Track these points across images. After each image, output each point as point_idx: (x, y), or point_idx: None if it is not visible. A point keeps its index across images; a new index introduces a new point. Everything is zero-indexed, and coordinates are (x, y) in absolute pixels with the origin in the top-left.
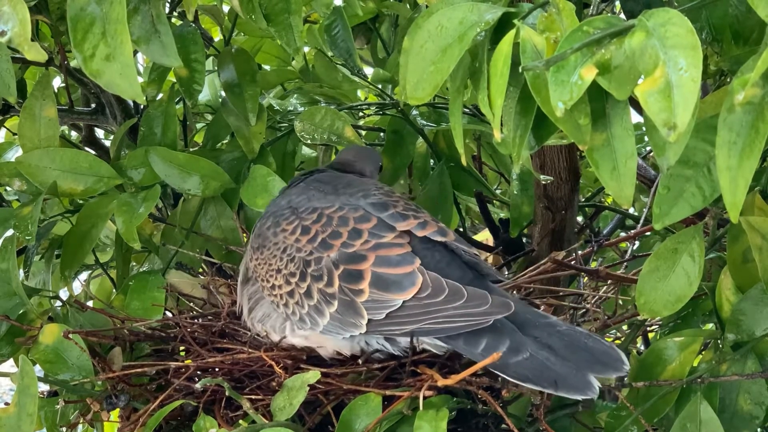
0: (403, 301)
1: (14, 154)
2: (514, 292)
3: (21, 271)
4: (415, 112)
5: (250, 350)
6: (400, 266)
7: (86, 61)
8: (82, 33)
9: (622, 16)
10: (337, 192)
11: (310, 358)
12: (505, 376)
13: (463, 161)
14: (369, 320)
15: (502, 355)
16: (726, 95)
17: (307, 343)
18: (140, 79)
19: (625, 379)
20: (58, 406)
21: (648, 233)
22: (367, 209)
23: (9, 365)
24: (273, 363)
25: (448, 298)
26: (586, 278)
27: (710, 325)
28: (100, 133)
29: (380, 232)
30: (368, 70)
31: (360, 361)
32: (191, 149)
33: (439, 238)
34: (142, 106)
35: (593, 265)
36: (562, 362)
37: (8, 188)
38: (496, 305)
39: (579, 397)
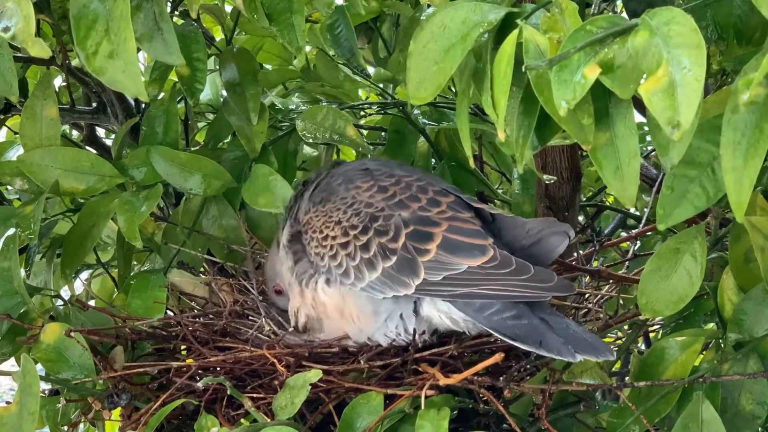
0: (468, 267)
1: (15, 153)
2: None
3: (22, 270)
4: (416, 111)
5: (251, 349)
6: (473, 238)
7: (89, 58)
8: (85, 30)
9: (624, 15)
10: (415, 170)
11: (312, 355)
12: (498, 335)
13: (471, 164)
14: (424, 280)
15: (506, 317)
16: (728, 95)
17: (330, 299)
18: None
19: (627, 378)
20: (60, 405)
21: (649, 233)
22: (447, 187)
23: (10, 364)
24: (275, 361)
25: (515, 271)
26: (588, 278)
27: (712, 325)
28: (101, 132)
29: (458, 207)
30: (369, 70)
31: (362, 360)
32: (193, 148)
33: (507, 215)
34: (143, 106)
35: (594, 264)
36: (554, 335)
37: (9, 187)
38: (561, 284)
39: (557, 357)
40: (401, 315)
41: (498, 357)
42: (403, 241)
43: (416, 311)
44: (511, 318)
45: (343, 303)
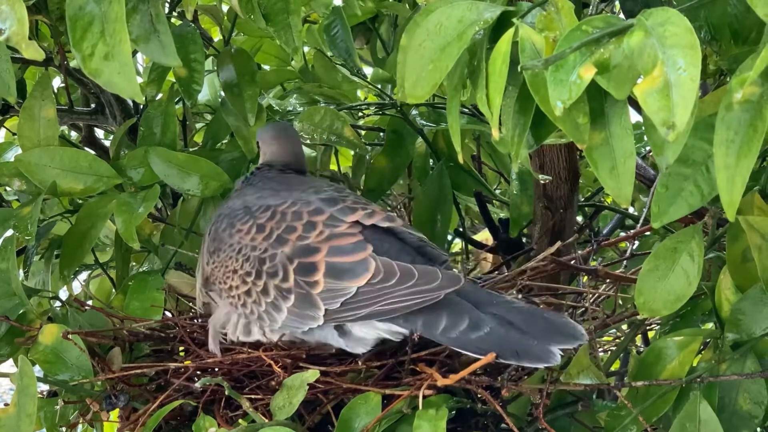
0: (358, 288)
1: (14, 154)
2: (514, 290)
3: (20, 271)
4: (414, 111)
5: (249, 350)
6: (353, 254)
7: (85, 60)
8: (81, 32)
9: (622, 15)
10: (290, 189)
11: (310, 356)
12: (466, 352)
13: (460, 159)
14: (326, 310)
15: (463, 331)
16: (725, 94)
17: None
18: (140, 79)
19: (625, 378)
20: (58, 407)
21: (647, 233)
22: (319, 204)
23: (8, 365)
24: (272, 362)
25: (400, 279)
26: (586, 278)
27: (710, 325)
28: (99, 133)
29: (334, 222)
30: (367, 70)
31: (359, 360)
32: (191, 149)
33: (386, 224)
34: (141, 106)
35: (593, 264)
36: (522, 335)
37: (8, 188)
38: (447, 279)
39: (541, 366)
40: (329, 339)
41: (490, 357)
42: (293, 278)
43: (344, 334)
44: (470, 329)
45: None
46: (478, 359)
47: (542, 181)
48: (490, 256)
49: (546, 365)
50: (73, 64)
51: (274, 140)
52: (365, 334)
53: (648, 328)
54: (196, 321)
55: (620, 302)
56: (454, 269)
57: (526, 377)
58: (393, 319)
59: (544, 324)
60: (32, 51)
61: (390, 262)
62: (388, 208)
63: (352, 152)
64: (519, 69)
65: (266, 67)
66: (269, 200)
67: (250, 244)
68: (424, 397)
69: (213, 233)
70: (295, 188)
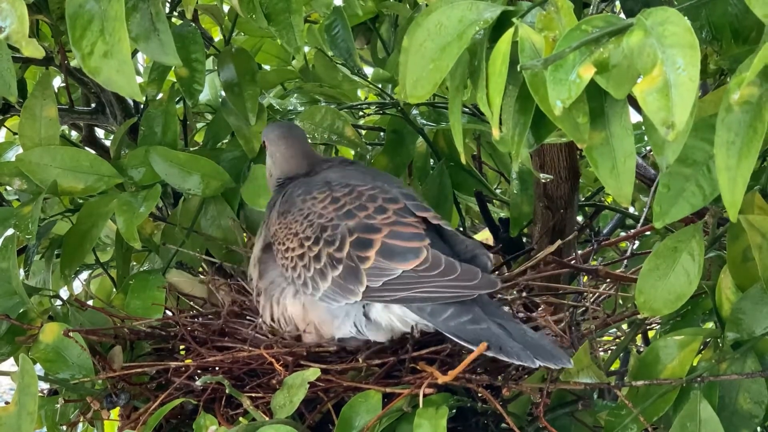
0: (403, 271)
1: (15, 153)
2: (514, 290)
3: (21, 271)
4: (415, 111)
5: (250, 348)
6: (410, 241)
7: (84, 58)
8: (81, 30)
9: (622, 15)
10: (375, 178)
11: (310, 355)
12: (458, 340)
13: (463, 160)
14: (367, 287)
15: (463, 322)
16: (725, 95)
17: (295, 311)
18: (140, 79)
19: (625, 377)
20: (58, 405)
21: (648, 233)
22: (398, 195)
23: (9, 364)
24: (273, 361)
25: (444, 271)
26: (586, 277)
27: (710, 324)
28: (100, 132)
29: (405, 213)
30: (368, 70)
31: (360, 359)
32: (191, 149)
33: (449, 229)
34: (142, 106)
35: (593, 263)
36: (513, 341)
37: (8, 188)
38: (485, 281)
39: (518, 363)
40: (354, 320)
41: (482, 347)
42: (348, 249)
43: (366, 316)
44: (469, 322)
45: (305, 313)
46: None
47: (543, 181)
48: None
49: (521, 363)
50: (73, 63)
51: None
52: (382, 319)
53: (648, 327)
54: (196, 319)
55: (620, 302)
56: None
57: (526, 376)
58: (408, 306)
59: (537, 342)
60: (32, 49)
61: (439, 255)
62: None
63: (353, 152)
64: (519, 68)
65: (267, 67)
66: (352, 180)
67: (319, 212)
68: (425, 395)
69: (287, 196)
70: (380, 178)
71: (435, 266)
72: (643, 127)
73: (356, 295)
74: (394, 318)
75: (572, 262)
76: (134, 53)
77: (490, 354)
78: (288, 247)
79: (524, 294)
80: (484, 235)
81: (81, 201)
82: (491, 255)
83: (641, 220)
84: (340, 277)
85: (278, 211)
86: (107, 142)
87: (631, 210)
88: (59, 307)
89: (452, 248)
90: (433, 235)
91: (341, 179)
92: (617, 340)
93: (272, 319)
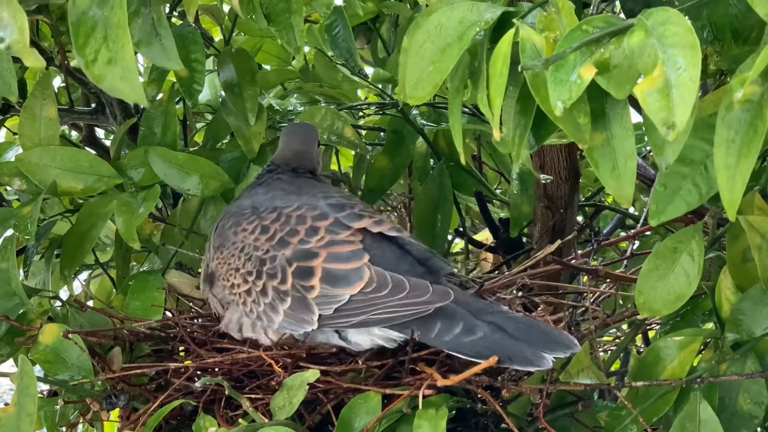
0: (350, 296)
1: (14, 153)
2: (514, 290)
3: (21, 271)
4: (415, 111)
5: (249, 350)
6: (349, 262)
7: (88, 65)
8: (84, 37)
9: (622, 15)
10: (299, 192)
11: (310, 356)
12: (460, 355)
13: (462, 160)
14: (320, 315)
15: (457, 335)
16: (725, 94)
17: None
18: (140, 79)
19: (625, 378)
20: (58, 406)
21: (648, 233)
22: (325, 209)
23: (9, 365)
24: (272, 362)
25: (392, 291)
26: (586, 277)
27: (710, 325)
28: (100, 132)
29: (336, 229)
30: (368, 70)
31: (359, 360)
32: (191, 149)
33: (393, 233)
34: (142, 106)
35: (593, 263)
36: (515, 341)
37: (8, 188)
38: (437, 294)
39: (533, 369)
40: (335, 343)
41: (492, 360)
42: (291, 281)
43: (344, 339)
44: (463, 334)
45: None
46: (475, 361)
47: (543, 181)
48: (490, 256)
49: (537, 368)
50: (73, 63)
51: (287, 138)
52: (362, 341)
53: (648, 327)
54: (196, 321)
55: (620, 302)
56: (460, 275)
57: (526, 377)
58: (388, 326)
59: (538, 332)
60: (33, 59)
61: (384, 273)
62: (389, 209)
63: (353, 152)
64: (519, 69)
65: (267, 67)
66: (277, 201)
67: (253, 244)
68: (424, 396)
69: (219, 229)
70: (305, 191)
71: (382, 286)
72: (643, 128)
73: (312, 323)
74: (376, 338)
75: (572, 262)
76: (134, 53)
77: (501, 366)
78: (233, 283)
79: (522, 294)
80: (484, 235)
81: (80, 201)
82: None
83: (641, 221)
84: (291, 308)
85: (213, 246)
86: (107, 143)
87: (631, 210)
88: (59, 308)
89: (404, 248)
90: (378, 242)
91: (267, 202)
92: (617, 340)
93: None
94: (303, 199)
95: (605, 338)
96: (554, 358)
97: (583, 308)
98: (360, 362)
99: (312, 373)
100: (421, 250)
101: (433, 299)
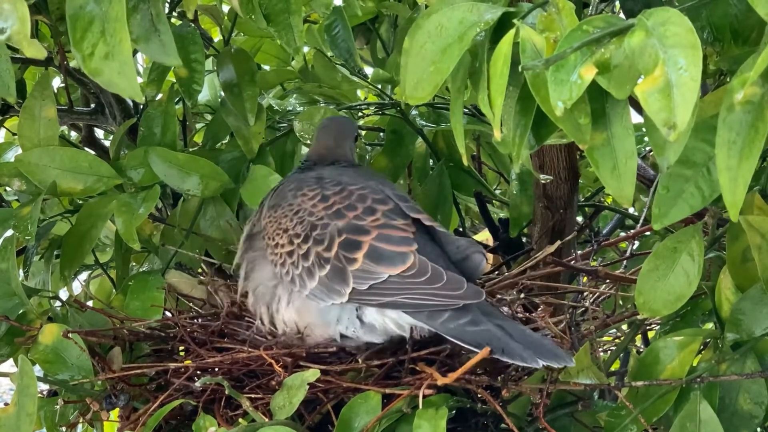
0: (389, 276)
1: (14, 154)
2: (514, 291)
3: (21, 271)
4: (414, 112)
5: (249, 349)
6: (398, 245)
7: (85, 59)
8: (81, 31)
9: (622, 15)
10: (369, 178)
11: (310, 356)
12: (460, 343)
13: (465, 162)
14: (353, 289)
15: (462, 324)
16: (725, 95)
17: (296, 316)
18: (140, 80)
19: (625, 378)
20: (58, 406)
21: (647, 233)
22: (389, 195)
23: (9, 365)
24: (272, 362)
25: (430, 279)
26: (586, 278)
27: (710, 325)
28: (99, 133)
29: (393, 215)
30: (368, 70)
31: (359, 360)
32: (191, 149)
33: (442, 229)
34: (141, 107)
35: (593, 263)
36: (514, 342)
37: (8, 188)
38: (471, 291)
39: (521, 364)
40: (347, 324)
41: (485, 352)
42: (336, 250)
43: (360, 318)
44: (468, 324)
45: (299, 317)
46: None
47: (543, 182)
48: (490, 256)
49: (526, 365)
50: (73, 64)
51: (320, 133)
52: (375, 321)
53: (648, 328)
54: (196, 320)
55: (620, 302)
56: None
57: (526, 377)
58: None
59: (538, 341)
60: (34, 50)
61: (426, 262)
62: None
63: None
64: (520, 70)
65: (266, 67)
66: (344, 178)
67: (309, 209)
68: (424, 396)
69: (279, 191)
70: (374, 178)
71: (421, 273)
72: (643, 128)
73: (342, 296)
74: (389, 321)
75: (572, 262)
76: (134, 53)
77: (493, 356)
78: (278, 242)
79: (523, 294)
80: (484, 236)
81: (80, 202)
82: (485, 252)
83: (641, 221)
84: (327, 276)
85: (268, 205)
86: (107, 143)
87: (631, 210)
88: (58, 309)
89: (444, 250)
90: (424, 238)
91: (334, 176)
92: (617, 340)
93: (271, 323)
94: (371, 183)
95: (605, 338)
96: (545, 364)
97: (583, 308)
98: (360, 361)
99: (312, 373)
100: (461, 255)
101: (466, 295)
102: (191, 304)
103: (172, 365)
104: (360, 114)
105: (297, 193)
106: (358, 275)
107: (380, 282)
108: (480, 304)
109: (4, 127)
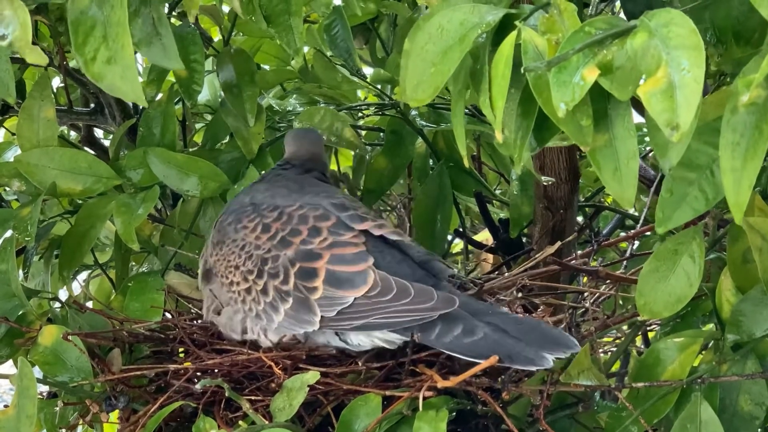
0: (354, 299)
1: (13, 154)
2: (514, 290)
3: (20, 272)
4: (414, 112)
5: (249, 351)
6: (353, 264)
7: (87, 64)
8: (83, 36)
9: (622, 16)
10: (302, 191)
11: (310, 358)
12: (460, 356)
13: (466, 163)
14: (321, 317)
15: (457, 336)
16: (726, 96)
17: (276, 338)
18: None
19: (625, 379)
20: (58, 408)
21: (648, 233)
22: (328, 208)
23: (8, 367)
24: (272, 364)
25: (396, 295)
26: (586, 278)
27: (710, 326)
28: (99, 133)
29: (339, 230)
30: (367, 71)
31: (359, 362)
32: (190, 150)
33: (394, 237)
34: (141, 107)
35: (593, 264)
36: (515, 341)
37: (7, 189)
38: (442, 300)
39: (533, 368)
40: (334, 344)
41: (492, 360)
42: (293, 281)
43: (344, 340)
44: (464, 335)
45: (286, 339)
46: (475, 362)
47: (544, 183)
48: (490, 257)
49: (538, 368)
50: (72, 64)
51: (295, 141)
52: (362, 342)
53: (648, 328)
54: (195, 322)
55: (620, 303)
56: (460, 275)
57: (526, 378)
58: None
59: (538, 333)
60: (36, 56)
61: (388, 277)
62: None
63: (352, 153)
64: (522, 71)
65: (266, 67)
66: (278, 200)
67: (254, 243)
68: (425, 398)
69: (219, 225)
70: (308, 190)
71: (387, 290)
72: (645, 129)
73: (313, 324)
74: (376, 340)
75: (572, 262)
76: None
77: (501, 365)
78: (232, 280)
79: (522, 295)
80: (484, 236)
81: (80, 202)
82: (447, 269)
83: (641, 221)
84: (292, 309)
85: (212, 242)
86: (106, 143)
87: (631, 211)
88: (58, 310)
89: (407, 253)
90: (380, 245)
91: (268, 200)
92: (617, 341)
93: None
94: (305, 198)
95: (605, 339)
96: (555, 358)
97: (583, 309)
98: (360, 364)
99: (312, 375)
100: (422, 254)
101: (437, 306)
102: (191, 306)
103: (172, 367)
104: (360, 114)
105: (237, 226)
106: (322, 303)
107: (347, 306)
108: (465, 305)
109: (4, 127)
